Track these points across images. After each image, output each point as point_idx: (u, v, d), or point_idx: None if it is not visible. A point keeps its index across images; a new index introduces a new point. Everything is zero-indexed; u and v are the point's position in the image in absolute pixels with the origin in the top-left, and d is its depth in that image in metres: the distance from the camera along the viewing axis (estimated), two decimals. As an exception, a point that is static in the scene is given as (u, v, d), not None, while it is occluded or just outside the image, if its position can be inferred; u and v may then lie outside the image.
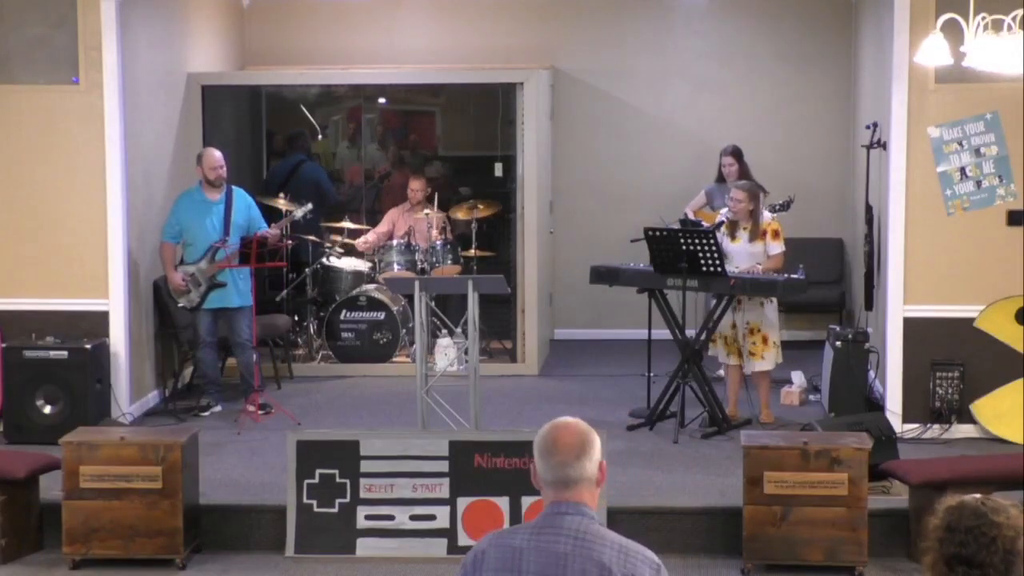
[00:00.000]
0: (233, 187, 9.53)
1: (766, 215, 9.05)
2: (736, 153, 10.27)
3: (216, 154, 9.47)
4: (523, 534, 3.42)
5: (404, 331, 10.79)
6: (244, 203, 9.52)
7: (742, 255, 8.92)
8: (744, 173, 10.06)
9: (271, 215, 10.51)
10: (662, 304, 8.95)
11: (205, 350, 9.50)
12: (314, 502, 7.17)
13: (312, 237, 11.10)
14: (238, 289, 9.35)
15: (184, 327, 9.84)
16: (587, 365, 11.14)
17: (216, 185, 9.41)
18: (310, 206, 10.10)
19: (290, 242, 10.74)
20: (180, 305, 9.49)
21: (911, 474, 7.10)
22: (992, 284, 8.56)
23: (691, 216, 10.38)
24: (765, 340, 8.88)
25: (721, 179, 10.34)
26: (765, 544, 6.86)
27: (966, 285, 8.62)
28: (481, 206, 11.06)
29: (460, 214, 11.23)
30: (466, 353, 8.67)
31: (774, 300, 8.88)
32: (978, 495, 3.29)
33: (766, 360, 8.89)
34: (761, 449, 6.91)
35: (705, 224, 9.64)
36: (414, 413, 8.24)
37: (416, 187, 11.24)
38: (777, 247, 8.91)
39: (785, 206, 9.39)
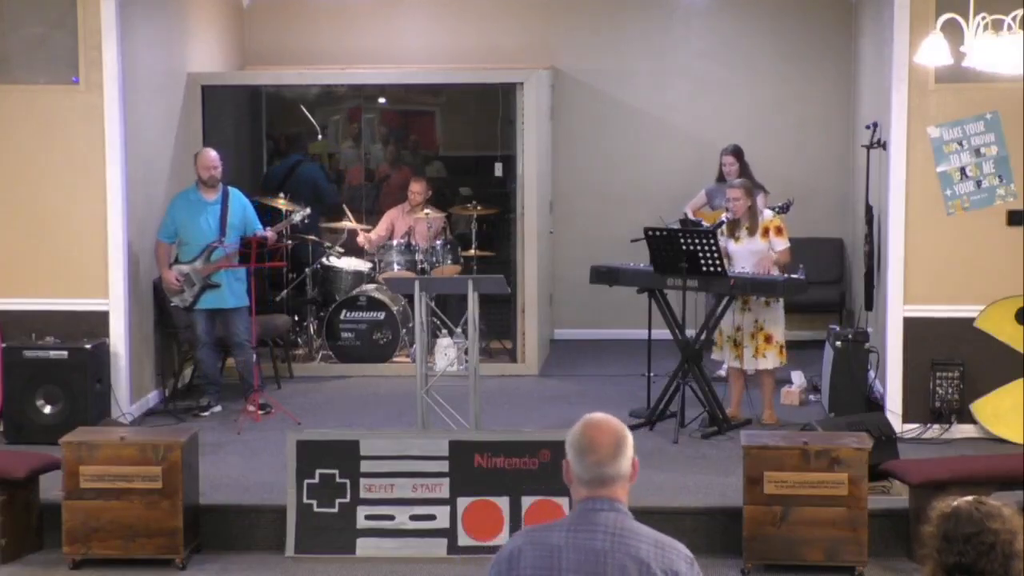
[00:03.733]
0: (229, 188, 9.53)
1: (767, 213, 9.06)
2: (737, 152, 10.27)
3: (211, 154, 9.46)
4: (559, 531, 3.40)
5: (404, 331, 10.79)
6: (240, 204, 9.52)
7: (746, 255, 8.91)
8: (744, 172, 10.06)
9: (271, 215, 10.52)
10: (662, 304, 8.95)
11: (204, 350, 9.50)
12: (314, 502, 7.17)
13: (312, 237, 11.10)
14: (233, 290, 9.35)
15: (184, 327, 9.83)
16: (587, 365, 11.14)
17: (211, 185, 9.40)
18: (308, 210, 10.12)
19: (289, 242, 10.74)
20: (173, 304, 9.51)
21: (911, 474, 7.10)
22: (992, 284, 8.56)
23: (691, 216, 10.38)
24: (768, 339, 8.87)
25: (722, 179, 10.33)
26: (765, 544, 6.86)
27: (966, 285, 8.62)
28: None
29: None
30: (466, 353, 8.67)
31: (780, 300, 8.87)
32: (970, 498, 3.27)
33: (768, 359, 8.88)
34: (761, 449, 6.91)
35: (705, 224, 9.64)
36: (414, 413, 8.24)
37: (417, 189, 11.22)
38: (782, 243, 8.91)
39: (784, 208, 9.41)
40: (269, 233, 9.52)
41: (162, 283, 9.50)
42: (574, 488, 3.43)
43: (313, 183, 11.97)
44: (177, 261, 9.43)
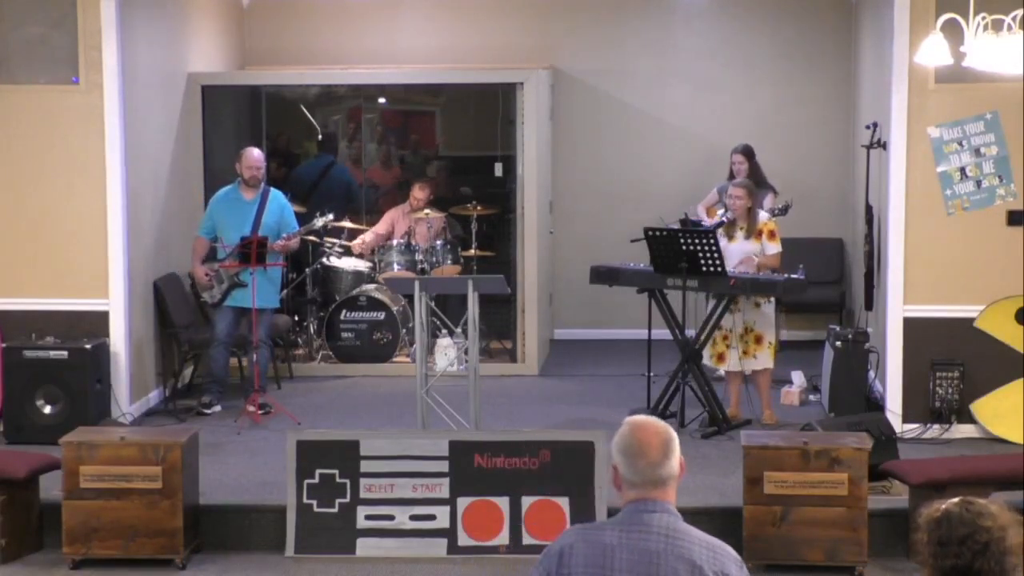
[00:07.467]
0: (271, 188, 9.59)
1: (763, 215, 9.06)
2: (747, 152, 10.26)
3: (255, 153, 9.51)
4: (611, 531, 3.41)
5: (404, 331, 10.79)
6: (277, 204, 9.56)
7: (737, 255, 8.91)
8: (754, 172, 10.07)
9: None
10: (662, 304, 8.95)
11: (219, 348, 9.50)
12: (314, 502, 7.17)
13: (312, 237, 11.09)
14: (262, 291, 9.31)
15: (184, 327, 9.85)
16: (587, 365, 11.14)
17: (252, 185, 9.44)
18: (331, 216, 10.08)
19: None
20: (203, 299, 9.63)
21: (911, 474, 7.10)
22: (992, 284, 8.57)
23: (703, 214, 10.38)
24: (759, 340, 8.88)
25: (732, 177, 10.33)
26: (765, 544, 6.86)
27: (966, 285, 8.62)
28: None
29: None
30: (466, 353, 8.67)
31: (772, 300, 8.88)
32: (956, 500, 3.29)
33: (759, 359, 8.88)
34: (761, 449, 6.91)
35: (707, 224, 9.64)
36: (414, 413, 8.25)
37: (420, 196, 11.18)
38: (774, 247, 8.92)
39: (783, 210, 9.40)
40: (279, 244, 9.46)
41: (193, 278, 9.59)
42: (624, 491, 3.44)
43: (346, 185, 12.00)
44: (215, 258, 9.47)
